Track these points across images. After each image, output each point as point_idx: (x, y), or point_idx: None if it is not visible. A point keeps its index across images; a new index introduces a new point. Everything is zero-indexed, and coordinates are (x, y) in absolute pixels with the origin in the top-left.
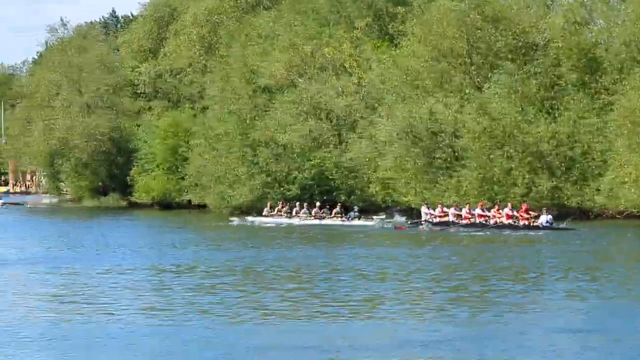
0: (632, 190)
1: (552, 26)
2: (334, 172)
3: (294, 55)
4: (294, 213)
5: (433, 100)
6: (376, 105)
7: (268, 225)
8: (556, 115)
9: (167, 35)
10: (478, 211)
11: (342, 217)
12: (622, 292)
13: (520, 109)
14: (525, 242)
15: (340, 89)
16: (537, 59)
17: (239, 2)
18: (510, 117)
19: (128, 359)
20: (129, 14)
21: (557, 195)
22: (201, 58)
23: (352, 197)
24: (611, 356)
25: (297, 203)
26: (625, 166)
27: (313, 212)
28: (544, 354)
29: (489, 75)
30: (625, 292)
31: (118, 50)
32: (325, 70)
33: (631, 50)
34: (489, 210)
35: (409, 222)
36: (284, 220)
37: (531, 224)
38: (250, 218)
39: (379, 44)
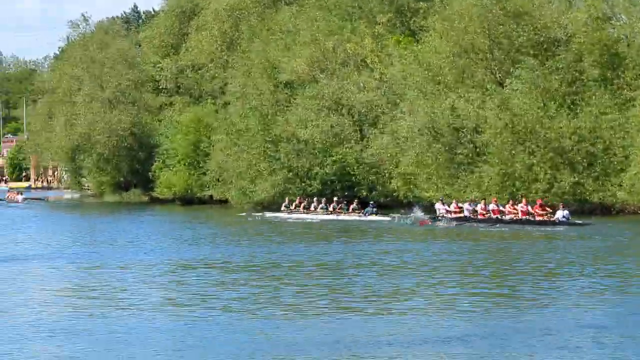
0: None
1: (574, 21)
2: (355, 167)
3: (316, 50)
4: (311, 208)
5: (455, 95)
6: (398, 100)
7: (286, 220)
8: (578, 111)
9: (188, 31)
10: (492, 206)
11: (359, 212)
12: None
13: (542, 104)
14: (542, 238)
15: (361, 84)
16: (559, 55)
17: None
18: (531, 112)
19: (148, 354)
20: (151, 10)
21: (578, 191)
22: (223, 53)
23: (374, 192)
24: (631, 353)
25: (315, 199)
26: None
27: (330, 208)
28: (565, 350)
29: (511, 71)
30: None
31: (140, 46)
32: (346, 65)
33: None
34: (503, 206)
35: (428, 217)
36: (302, 216)
37: (548, 220)
38: (268, 213)
39: (400, 40)
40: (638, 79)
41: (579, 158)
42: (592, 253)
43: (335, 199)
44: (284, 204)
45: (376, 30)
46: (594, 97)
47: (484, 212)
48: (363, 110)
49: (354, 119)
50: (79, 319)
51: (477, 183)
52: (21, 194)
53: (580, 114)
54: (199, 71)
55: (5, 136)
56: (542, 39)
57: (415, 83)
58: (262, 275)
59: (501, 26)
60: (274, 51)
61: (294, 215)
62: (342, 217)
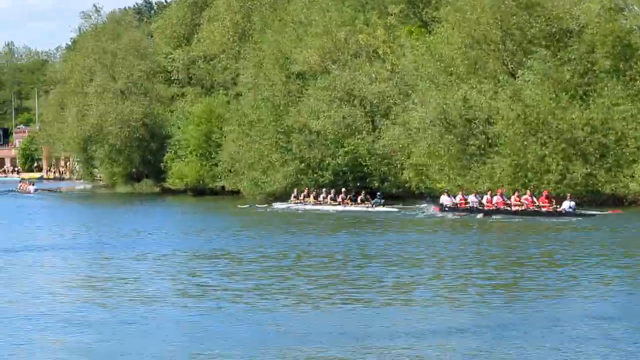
0: None
1: (586, 12)
2: (367, 158)
3: (328, 41)
4: (320, 199)
5: (467, 87)
6: (410, 91)
7: (294, 211)
8: (590, 102)
9: (200, 22)
10: (497, 198)
11: (367, 204)
12: None
13: (554, 95)
14: (548, 229)
15: (373, 75)
16: (572, 46)
17: None
18: (544, 103)
19: (160, 344)
20: (163, 0)
21: (591, 182)
22: (235, 44)
23: (386, 183)
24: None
25: (324, 190)
26: None
27: (339, 199)
28: (575, 341)
29: (523, 62)
30: None
31: (151, 37)
32: (358, 56)
33: None
34: (508, 197)
35: (432, 208)
36: (309, 207)
37: (554, 211)
38: (276, 204)
39: (412, 30)
40: None
41: (591, 149)
42: (599, 244)
43: (343, 190)
44: (293, 195)
45: (388, 21)
46: (606, 88)
47: (490, 204)
48: (375, 101)
49: (366, 110)
50: (91, 309)
51: (489, 174)
52: (33, 184)
53: (592, 105)
54: (211, 62)
55: (18, 127)
56: (554, 30)
57: (427, 74)
58: (272, 266)
59: (513, 17)
60: (286, 42)
61: (301, 207)
62: (350, 208)
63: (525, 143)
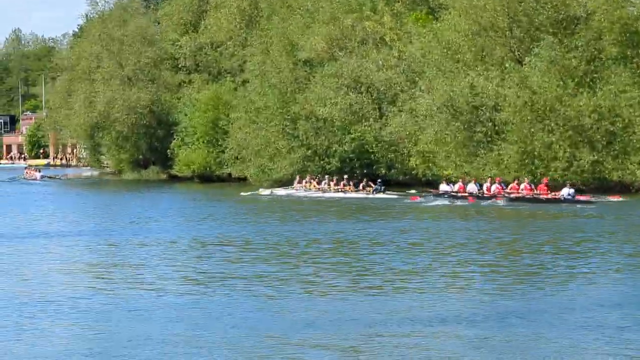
0: None
1: None
2: (374, 145)
3: (335, 28)
4: (322, 186)
5: (474, 74)
6: (417, 79)
7: (294, 198)
8: (597, 89)
9: (207, 8)
10: (496, 186)
11: (367, 191)
12: None
13: (561, 82)
14: (549, 216)
15: (380, 62)
16: (578, 33)
17: None
18: (551, 91)
19: (166, 330)
20: None
21: (598, 170)
22: (242, 31)
23: (392, 170)
24: None
25: (327, 176)
26: None
27: (341, 185)
28: (585, 329)
29: (530, 49)
30: None
31: (158, 23)
32: (365, 43)
33: None
34: (506, 185)
35: (422, 194)
36: (311, 194)
37: (553, 198)
38: (277, 191)
39: (419, 17)
40: None
41: (598, 136)
42: (601, 231)
43: (345, 177)
44: (295, 182)
45: (395, 8)
46: (613, 75)
47: (489, 192)
48: (382, 89)
49: (373, 97)
50: (96, 295)
51: (496, 161)
52: (39, 171)
53: (599, 93)
54: (218, 49)
55: (25, 114)
56: (561, 16)
57: (434, 61)
58: (275, 253)
59: (520, 4)
60: (293, 29)
61: (303, 193)
62: (350, 195)
63: (532, 130)
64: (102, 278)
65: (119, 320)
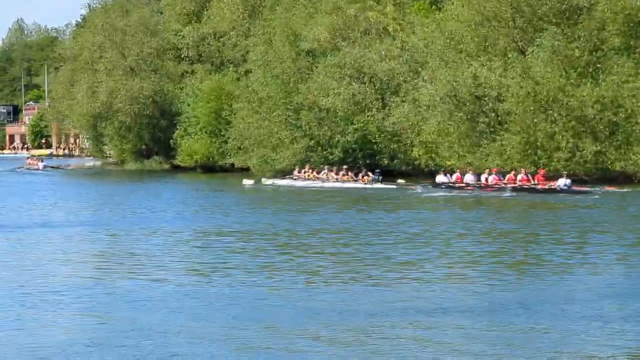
0: None
1: None
2: (376, 136)
3: (338, 18)
4: (320, 176)
5: (476, 64)
6: (419, 69)
7: (293, 188)
8: (600, 79)
9: None
10: (493, 176)
11: (364, 180)
12: None
13: (563, 72)
14: (545, 206)
15: (383, 52)
16: (582, 23)
17: None
18: (554, 81)
19: (168, 321)
20: None
21: (600, 160)
22: (245, 21)
23: (395, 160)
24: None
25: (326, 166)
26: None
27: (340, 175)
28: (589, 319)
29: (533, 39)
30: None
31: (161, 14)
32: (368, 33)
33: None
34: (503, 176)
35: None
36: (309, 183)
37: (549, 188)
38: (277, 181)
39: (422, 7)
40: None
41: (601, 127)
42: (597, 221)
43: (345, 167)
44: (295, 172)
45: None
46: (616, 65)
47: (487, 183)
48: (385, 79)
49: (376, 87)
50: (99, 285)
51: (499, 152)
52: (42, 161)
53: (602, 83)
54: (221, 39)
55: (27, 104)
56: (564, 7)
57: (437, 51)
58: (275, 243)
59: None
60: (296, 19)
61: (301, 183)
62: (348, 184)
63: (535, 120)
64: (104, 268)
65: (121, 310)
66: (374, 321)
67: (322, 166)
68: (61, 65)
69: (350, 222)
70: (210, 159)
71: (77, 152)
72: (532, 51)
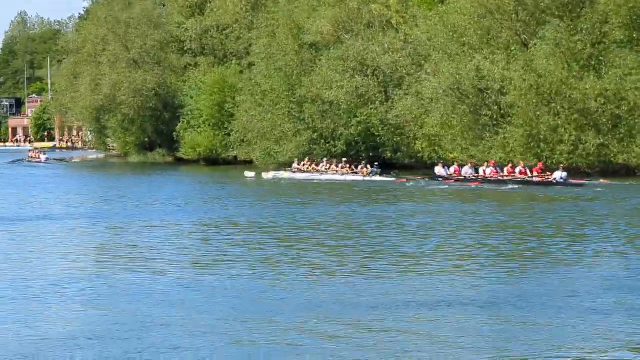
0: None
1: None
2: (379, 128)
3: (341, 11)
4: (319, 168)
5: (479, 57)
6: (422, 61)
7: (289, 180)
8: (603, 72)
9: None
10: (490, 168)
11: (363, 172)
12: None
13: (566, 65)
14: (541, 199)
15: (386, 45)
16: (584, 15)
17: None
18: (556, 73)
19: (170, 313)
20: None
21: (603, 153)
22: (247, 14)
23: (398, 153)
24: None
25: (324, 159)
26: None
27: (339, 168)
28: (592, 313)
29: (536, 32)
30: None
31: (164, 6)
32: (371, 26)
33: None
34: (501, 168)
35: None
36: (308, 175)
37: (545, 180)
38: (275, 173)
39: (425, 0)
40: None
41: (604, 119)
42: (595, 213)
43: (344, 159)
44: (294, 164)
45: None
46: (618, 58)
47: (484, 175)
48: (388, 71)
49: (379, 80)
50: (102, 278)
51: (502, 144)
52: (44, 153)
53: (604, 76)
54: (224, 31)
55: (30, 96)
56: None
57: (439, 44)
58: (276, 236)
59: None
60: (299, 12)
61: (300, 175)
62: (347, 177)
63: (538, 113)
64: (105, 260)
65: (123, 303)
66: (374, 314)
67: (321, 158)
68: (64, 58)
69: (348, 214)
70: (213, 151)
71: (79, 145)
72: (535, 44)
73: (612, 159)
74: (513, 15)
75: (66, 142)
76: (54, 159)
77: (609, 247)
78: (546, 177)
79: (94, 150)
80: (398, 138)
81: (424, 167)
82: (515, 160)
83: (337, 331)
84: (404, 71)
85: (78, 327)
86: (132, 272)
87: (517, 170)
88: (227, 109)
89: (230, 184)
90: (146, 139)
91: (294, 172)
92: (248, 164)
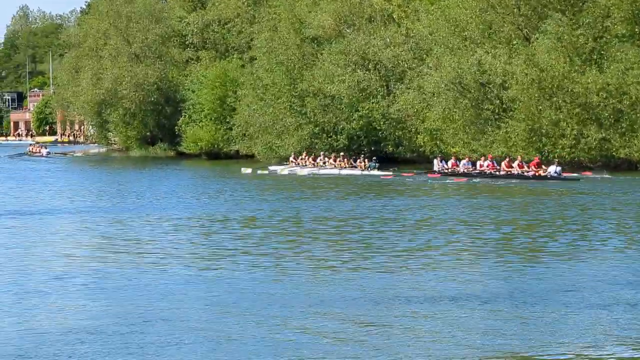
0: None
1: None
2: (381, 123)
3: (342, 5)
4: (317, 162)
5: (481, 51)
6: (424, 56)
7: (288, 174)
8: (605, 67)
9: None
10: (488, 163)
11: (361, 166)
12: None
13: (568, 59)
14: (534, 192)
15: (388, 39)
16: (586, 10)
17: None
18: (558, 68)
19: (175, 307)
20: None
21: (605, 147)
22: (249, 8)
23: (400, 147)
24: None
25: (322, 153)
26: None
27: (337, 162)
28: (598, 308)
29: (538, 26)
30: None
31: (166, 0)
32: (373, 21)
33: None
34: (498, 163)
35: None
36: (307, 170)
37: (539, 175)
38: (273, 167)
39: None
40: None
41: (606, 114)
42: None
43: (341, 153)
44: (290, 158)
45: None
46: (620, 52)
47: (481, 169)
48: (389, 66)
49: (381, 74)
50: (104, 272)
51: (504, 139)
52: (45, 147)
53: (606, 70)
54: (226, 26)
55: (32, 90)
56: None
57: (441, 38)
58: (277, 230)
59: None
60: (301, 6)
61: (299, 170)
62: (345, 171)
63: (540, 108)
64: (106, 254)
65: (122, 296)
66: (379, 307)
67: (319, 153)
68: (66, 52)
69: (347, 209)
70: (215, 146)
71: (81, 139)
72: (537, 38)
73: (614, 154)
74: (515, 9)
75: (68, 136)
76: (55, 153)
77: (605, 241)
78: (541, 172)
79: (96, 144)
80: (400, 132)
81: (425, 162)
82: (518, 155)
83: (336, 326)
84: (406, 65)
85: (79, 320)
86: (131, 265)
87: (515, 164)
88: (229, 104)
89: (230, 179)
90: (148, 134)
91: (291, 167)
92: (250, 158)
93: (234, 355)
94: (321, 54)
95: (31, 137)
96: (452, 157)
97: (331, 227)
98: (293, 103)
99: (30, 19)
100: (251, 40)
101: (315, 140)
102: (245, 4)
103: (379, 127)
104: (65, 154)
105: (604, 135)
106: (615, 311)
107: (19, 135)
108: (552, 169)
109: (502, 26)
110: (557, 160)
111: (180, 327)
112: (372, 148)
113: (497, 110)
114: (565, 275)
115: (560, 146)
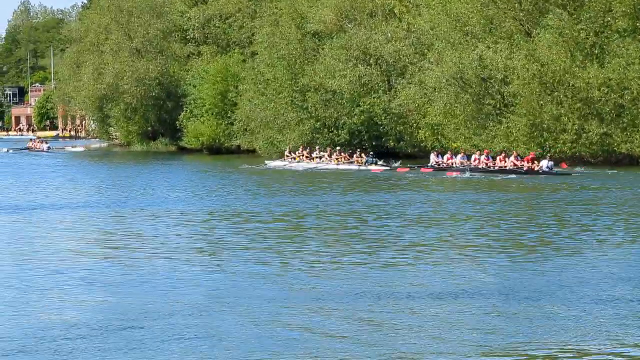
0: None
1: None
2: (382, 117)
3: (344, 0)
4: (314, 157)
5: (482, 46)
6: (425, 51)
7: (284, 169)
8: (606, 62)
9: None
10: (483, 157)
11: (359, 161)
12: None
13: (569, 54)
14: (526, 187)
15: (389, 34)
16: (587, 4)
17: None
18: (559, 63)
19: (175, 302)
20: None
21: (606, 142)
22: (250, 3)
23: (401, 142)
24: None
25: (317, 147)
26: None
27: (334, 157)
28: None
29: (539, 21)
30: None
31: None
32: (374, 15)
33: None
34: (494, 158)
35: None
36: (303, 165)
37: (531, 169)
38: (270, 163)
39: None
40: None
41: (607, 109)
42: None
43: (338, 148)
44: (286, 152)
45: None
46: (621, 47)
47: (477, 164)
48: (391, 61)
49: (382, 69)
50: (107, 267)
51: (505, 134)
52: (46, 142)
53: (608, 65)
54: (227, 21)
55: (33, 85)
56: None
57: (443, 33)
58: (277, 226)
59: None
60: (302, 0)
61: (295, 164)
62: (343, 166)
63: (541, 103)
64: (108, 249)
65: (126, 292)
66: (381, 303)
67: (316, 148)
68: (67, 47)
69: (345, 204)
70: (216, 140)
71: (83, 134)
72: (538, 33)
73: (615, 149)
74: (516, 4)
75: (69, 131)
76: (56, 148)
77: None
78: (535, 167)
79: (97, 139)
80: (401, 127)
81: (426, 157)
82: (519, 150)
83: (333, 322)
84: (407, 60)
85: (79, 315)
86: (131, 260)
87: (510, 159)
88: (230, 98)
89: (231, 174)
90: (149, 128)
91: (289, 161)
92: (251, 153)
93: (235, 350)
94: (322, 48)
95: (32, 132)
96: (449, 152)
97: (330, 222)
98: (294, 98)
99: (32, 14)
100: (252, 35)
101: (317, 135)
102: None
103: (380, 122)
104: (66, 148)
105: (605, 130)
106: (615, 307)
107: (20, 130)
108: (545, 164)
109: (504, 21)
110: (549, 155)
111: (180, 322)
112: (374, 143)
113: (498, 105)
114: (566, 270)
115: (561, 141)
